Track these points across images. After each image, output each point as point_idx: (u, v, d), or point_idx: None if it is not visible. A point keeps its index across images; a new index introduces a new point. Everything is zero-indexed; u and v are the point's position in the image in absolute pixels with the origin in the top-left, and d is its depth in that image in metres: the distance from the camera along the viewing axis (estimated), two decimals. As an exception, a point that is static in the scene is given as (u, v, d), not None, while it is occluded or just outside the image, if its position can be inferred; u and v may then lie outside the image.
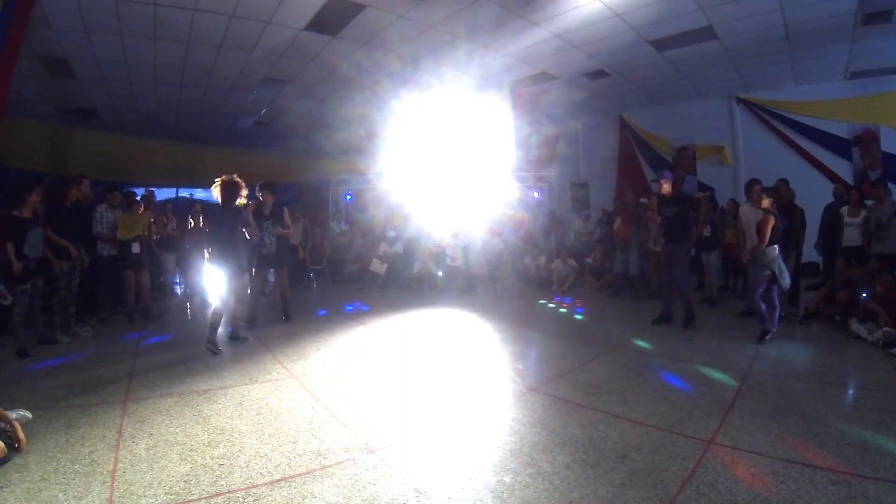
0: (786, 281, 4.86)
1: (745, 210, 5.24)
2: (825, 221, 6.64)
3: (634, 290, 7.37)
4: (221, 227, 4.79)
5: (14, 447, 2.54)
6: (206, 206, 8.32)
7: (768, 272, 4.73)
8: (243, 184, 4.84)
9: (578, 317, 6.35)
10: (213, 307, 4.84)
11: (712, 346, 4.61)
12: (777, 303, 4.81)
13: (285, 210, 5.96)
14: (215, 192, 4.81)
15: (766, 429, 2.75)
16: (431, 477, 2.33)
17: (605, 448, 2.58)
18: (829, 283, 5.66)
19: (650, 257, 7.16)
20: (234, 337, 5.07)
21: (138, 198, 6.68)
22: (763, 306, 4.71)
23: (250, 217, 5.03)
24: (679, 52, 7.45)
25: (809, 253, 7.16)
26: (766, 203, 4.84)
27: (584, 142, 12.33)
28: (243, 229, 4.88)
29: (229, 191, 4.76)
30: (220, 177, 4.84)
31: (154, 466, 2.44)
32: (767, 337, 4.62)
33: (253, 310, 5.77)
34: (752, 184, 5.08)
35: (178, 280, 8.67)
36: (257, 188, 5.70)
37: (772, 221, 4.68)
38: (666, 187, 5.60)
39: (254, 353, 4.63)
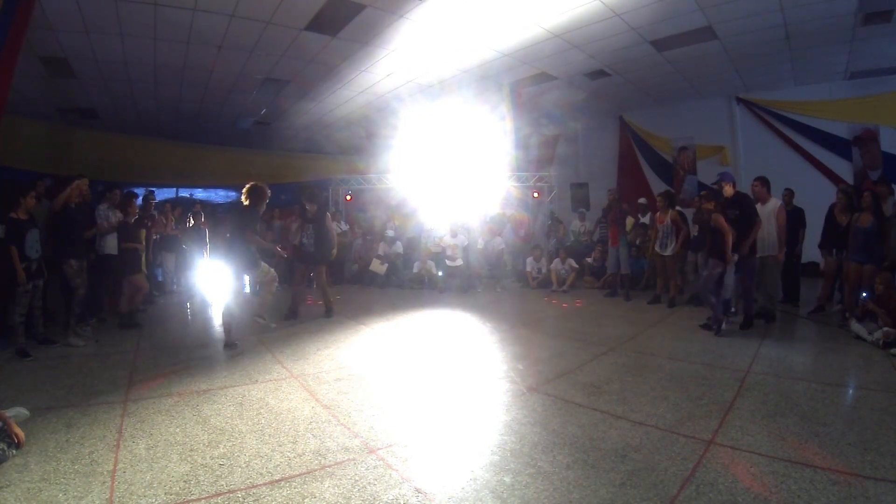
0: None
1: (759, 208, 5.52)
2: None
3: (625, 290, 7.38)
4: (232, 226, 5.15)
5: (14, 444, 2.54)
6: (220, 206, 8.53)
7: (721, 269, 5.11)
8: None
9: (578, 317, 6.35)
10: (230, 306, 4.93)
11: (711, 346, 4.61)
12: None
13: (328, 214, 6.63)
14: (244, 196, 5.13)
15: (766, 429, 2.76)
16: (431, 477, 2.33)
17: (605, 448, 2.58)
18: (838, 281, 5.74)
19: (655, 260, 7.10)
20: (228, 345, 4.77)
21: (138, 199, 6.66)
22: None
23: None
24: (679, 52, 7.44)
25: (810, 253, 7.17)
26: (709, 205, 5.22)
27: (584, 142, 12.32)
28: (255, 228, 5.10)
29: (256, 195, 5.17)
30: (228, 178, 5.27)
31: (154, 466, 2.44)
32: (724, 326, 5.03)
33: (294, 304, 6.29)
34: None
35: (176, 280, 8.66)
36: (303, 198, 6.37)
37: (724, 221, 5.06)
38: (728, 189, 5.48)
39: (254, 353, 4.63)
